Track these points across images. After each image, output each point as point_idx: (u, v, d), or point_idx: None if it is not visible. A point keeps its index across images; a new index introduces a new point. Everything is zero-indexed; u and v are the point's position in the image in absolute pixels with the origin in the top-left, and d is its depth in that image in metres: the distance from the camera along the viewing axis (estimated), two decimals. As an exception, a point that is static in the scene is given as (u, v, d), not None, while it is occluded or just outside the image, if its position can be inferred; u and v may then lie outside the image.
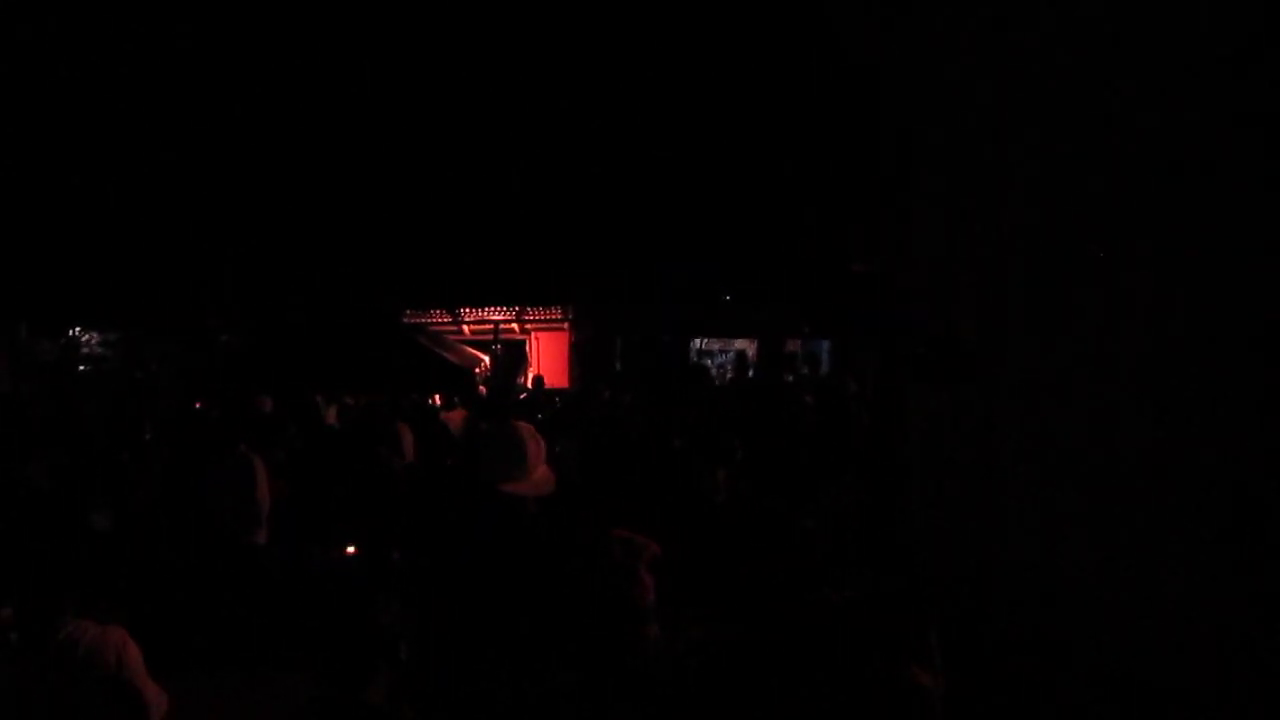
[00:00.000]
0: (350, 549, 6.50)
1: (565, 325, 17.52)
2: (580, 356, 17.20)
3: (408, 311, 16.09)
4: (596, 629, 2.36)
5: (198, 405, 9.62)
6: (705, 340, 18.49)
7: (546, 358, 17.34)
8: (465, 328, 17.38)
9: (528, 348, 17.68)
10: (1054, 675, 2.99)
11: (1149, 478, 2.58)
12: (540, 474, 3.16)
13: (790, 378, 14.68)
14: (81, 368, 17.53)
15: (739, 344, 17.98)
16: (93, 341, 18.74)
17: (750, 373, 15.87)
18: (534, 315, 17.51)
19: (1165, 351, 2.55)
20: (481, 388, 12.25)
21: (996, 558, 3.40)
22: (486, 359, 14.19)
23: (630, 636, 2.37)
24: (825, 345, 16.43)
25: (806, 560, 3.78)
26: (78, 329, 17.93)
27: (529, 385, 14.82)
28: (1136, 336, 2.67)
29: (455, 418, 9.18)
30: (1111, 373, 2.78)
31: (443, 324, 17.04)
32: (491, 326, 17.17)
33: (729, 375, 15.42)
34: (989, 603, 3.39)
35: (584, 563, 2.44)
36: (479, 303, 17.14)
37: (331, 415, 10.22)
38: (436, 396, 11.49)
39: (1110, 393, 2.78)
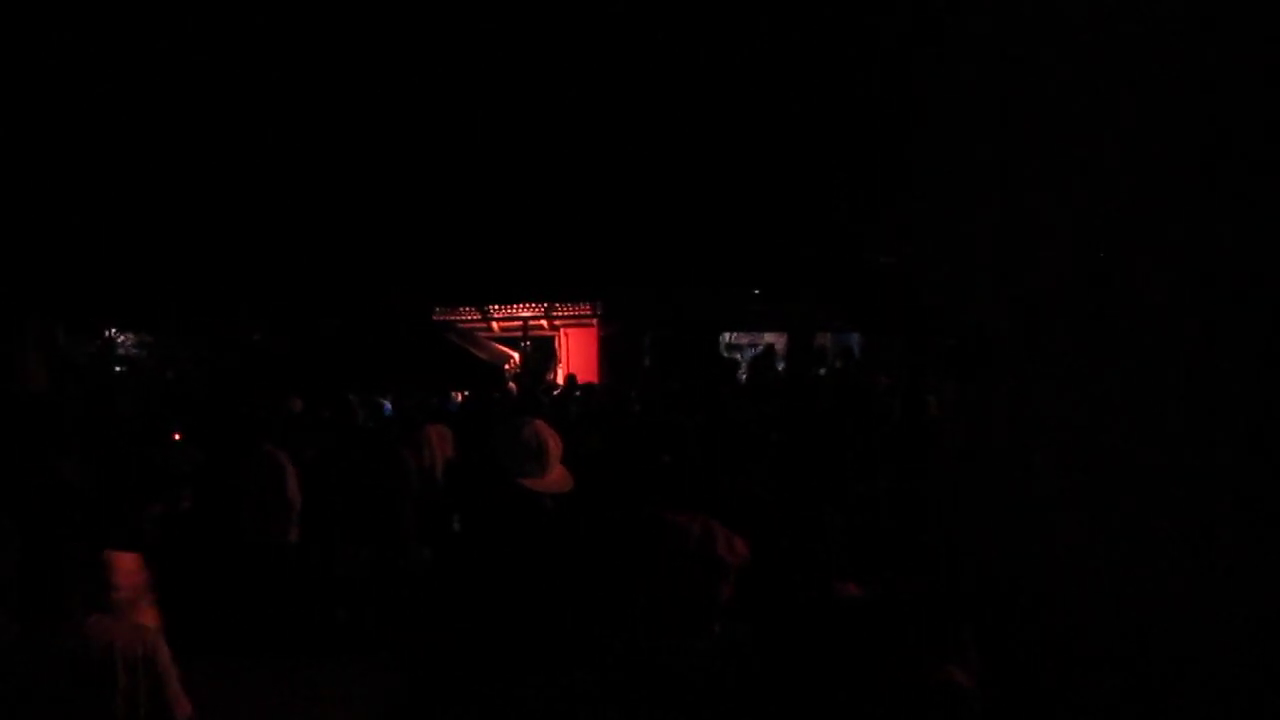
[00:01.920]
0: (378, 548, 6.57)
1: (594, 321, 17.47)
2: (609, 352, 17.17)
3: (436, 309, 16.14)
4: (650, 620, 2.23)
5: (229, 406, 9.70)
6: (734, 334, 18.40)
7: (575, 354, 17.33)
8: (494, 324, 17.41)
9: (557, 344, 17.67)
10: (1087, 674, 2.93)
11: (1183, 473, 2.51)
12: (558, 473, 3.13)
13: (821, 370, 14.58)
14: (117, 369, 17.75)
15: (768, 337, 17.86)
16: (128, 343, 18.98)
17: (781, 366, 15.79)
18: (563, 311, 17.48)
19: (1201, 347, 2.48)
20: (512, 384, 12.28)
21: (1028, 554, 3.34)
22: (516, 355, 14.20)
23: (694, 628, 2.21)
24: (856, 337, 16.27)
25: (832, 556, 3.72)
26: (114, 330, 18.16)
27: (560, 382, 14.83)
28: (1172, 332, 2.60)
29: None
30: (1145, 367, 2.71)
31: (471, 321, 17.07)
32: (520, 323, 17.18)
33: (757, 369, 15.31)
34: (1021, 601, 3.32)
35: (653, 550, 2.27)
36: (508, 299, 17.12)
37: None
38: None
39: (1144, 387, 2.71)
